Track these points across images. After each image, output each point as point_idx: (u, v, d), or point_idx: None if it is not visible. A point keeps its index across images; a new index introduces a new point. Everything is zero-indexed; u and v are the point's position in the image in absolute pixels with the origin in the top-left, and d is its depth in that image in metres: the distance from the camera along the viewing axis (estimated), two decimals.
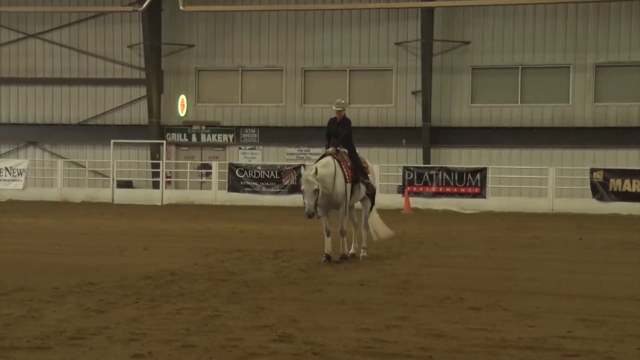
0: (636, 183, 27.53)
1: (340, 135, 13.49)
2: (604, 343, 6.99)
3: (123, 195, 31.74)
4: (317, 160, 13.38)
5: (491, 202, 28.17)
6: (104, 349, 6.63)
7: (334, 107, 13.89)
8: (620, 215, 26.71)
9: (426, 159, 31.40)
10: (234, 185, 30.94)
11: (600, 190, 27.90)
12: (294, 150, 34.03)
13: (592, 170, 28.37)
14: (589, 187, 28.20)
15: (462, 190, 28.33)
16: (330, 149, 13.33)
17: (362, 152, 33.02)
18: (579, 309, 8.65)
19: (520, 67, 32.17)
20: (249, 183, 30.81)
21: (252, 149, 34.51)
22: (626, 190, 27.63)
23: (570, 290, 10.08)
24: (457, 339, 7.07)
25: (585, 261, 13.52)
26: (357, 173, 13.31)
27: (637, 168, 28.65)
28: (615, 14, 31.31)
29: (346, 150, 13.51)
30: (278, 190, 30.62)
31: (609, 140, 30.90)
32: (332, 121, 13.86)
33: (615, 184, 27.76)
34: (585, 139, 31.14)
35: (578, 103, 31.71)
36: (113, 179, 32.67)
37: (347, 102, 14.28)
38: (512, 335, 7.22)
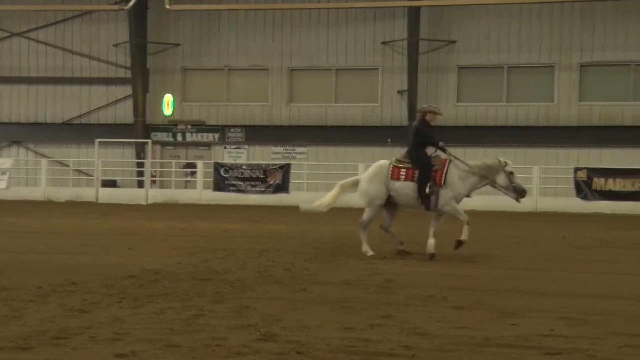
0: (619, 182, 27.70)
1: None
2: (586, 341, 7.02)
3: (107, 195, 31.68)
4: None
5: (476, 201, 28.19)
6: (87, 349, 6.60)
7: (437, 112, 14.17)
8: (604, 214, 26.87)
9: None
10: (219, 184, 30.92)
11: (584, 189, 28.06)
12: (279, 149, 34.05)
13: (576, 169, 28.53)
14: (573, 186, 28.35)
15: None
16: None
17: (348, 151, 33.37)
18: (561, 307, 8.69)
19: (505, 67, 32.31)
20: (234, 182, 30.80)
21: (237, 148, 34.50)
22: (610, 189, 27.80)
23: (553, 288, 10.13)
24: (440, 338, 7.09)
25: (568, 259, 13.58)
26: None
27: (621, 167, 28.81)
28: (599, 14, 31.49)
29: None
30: (263, 189, 30.62)
31: (593, 139, 31.08)
32: (429, 125, 14.06)
33: (599, 183, 27.93)
34: (569, 138, 31.31)
35: (563, 102, 31.88)
36: (97, 179, 32.59)
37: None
38: (494, 334, 7.24)
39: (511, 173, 14.03)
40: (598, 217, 25.90)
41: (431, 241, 13.32)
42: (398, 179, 13.64)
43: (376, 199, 13.79)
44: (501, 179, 13.96)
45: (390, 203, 13.86)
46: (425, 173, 13.53)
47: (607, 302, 9.13)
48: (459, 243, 13.29)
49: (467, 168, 13.87)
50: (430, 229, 13.55)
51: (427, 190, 13.48)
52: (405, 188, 13.60)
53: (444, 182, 13.53)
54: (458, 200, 13.74)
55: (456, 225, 13.74)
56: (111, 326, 7.43)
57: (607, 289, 10.15)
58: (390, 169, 13.71)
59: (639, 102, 31.39)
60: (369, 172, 14.09)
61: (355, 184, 14.30)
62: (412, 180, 13.57)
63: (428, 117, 14.03)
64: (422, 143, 13.86)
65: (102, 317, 7.88)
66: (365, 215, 13.89)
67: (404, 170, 13.64)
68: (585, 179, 28.13)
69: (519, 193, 14.00)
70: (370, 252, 13.53)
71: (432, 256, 13.17)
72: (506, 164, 14.02)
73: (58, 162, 35.35)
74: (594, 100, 31.75)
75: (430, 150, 13.93)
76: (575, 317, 8.09)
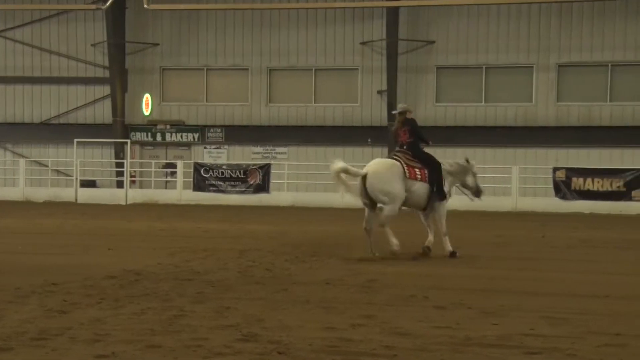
0: (598, 182, 27.89)
1: None
2: (566, 340, 7.06)
3: (87, 195, 31.51)
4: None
5: (455, 201, 28.29)
6: (67, 350, 6.56)
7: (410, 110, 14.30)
8: (583, 213, 27.06)
9: None
10: (199, 184, 30.84)
11: (562, 189, 28.23)
12: (259, 149, 34.01)
13: (555, 169, 28.70)
14: (552, 186, 28.51)
15: None
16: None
17: (327, 151, 33.40)
18: (542, 306, 8.73)
19: (484, 67, 32.44)
20: (214, 182, 30.73)
21: (217, 148, 34.42)
22: (588, 189, 27.99)
23: (534, 288, 10.18)
24: (421, 338, 7.10)
25: (548, 259, 13.65)
26: None
27: (599, 167, 29.01)
28: (577, 15, 31.69)
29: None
30: (244, 189, 30.57)
31: (571, 139, 31.30)
32: None
33: (577, 182, 28.11)
34: (548, 138, 31.49)
35: (541, 102, 32.06)
36: (76, 179, 32.41)
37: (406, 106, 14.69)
38: (476, 333, 7.26)
39: (475, 174, 14.30)
40: (577, 216, 26.06)
41: (431, 238, 13.66)
42: (416, 179, 13.50)
43: (401, 198, 13.44)
44: (470, 179, 14.22)
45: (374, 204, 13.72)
46: (439, 172, 13.62)
47: (587, 302, 9.19)
48: (453, 254, 13.48)
49: (445, 169, 14.01)
50: (430, 228, 13.78)
51: (446, 189, 13.70)
52: (422, 189, 13.54)
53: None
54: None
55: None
56: (91, 327, 7.39)
57: (587, 288, 10.21)
58: (407, 168, 13.48)
59: (616, 103, 31.61)
60: (386, 169, 13.47)
61: (354, 175, 13.66)
62: (425, 181, 13.56)
63: (408, 115, 14.14)
64: (425, 141, 13.99)
65: (82, 317, 7.83)
66: (389, 211, 13.38)
67: (418, 170, 13.56)
68: (563, 178, 28.29)
69: (480, 193, 14.36)
70: (397, 248, 13.22)
71: (427, 250, 13.46)
72: (473, 164, 14.28)
73: (36, 162, 35.12)
74: (572, 101, 31.95)
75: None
76: (555, 316, 8.13)
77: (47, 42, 35.24)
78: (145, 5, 32.20)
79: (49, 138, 35.22)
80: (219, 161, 33.05)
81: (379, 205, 13.64)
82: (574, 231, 19.65)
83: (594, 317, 8.14)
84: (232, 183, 30.68)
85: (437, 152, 15.04)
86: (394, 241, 13.20)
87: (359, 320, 7.87)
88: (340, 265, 12.38)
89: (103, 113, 35.00)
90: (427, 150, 14.15)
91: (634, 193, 27.59)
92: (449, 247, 13.52)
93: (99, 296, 9.11)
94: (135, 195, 31.68)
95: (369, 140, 32.46)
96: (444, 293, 9.61)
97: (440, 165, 13.75)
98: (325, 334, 7.19)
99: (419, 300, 9.13)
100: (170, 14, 34.22)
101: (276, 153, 33.72)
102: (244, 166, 31.10)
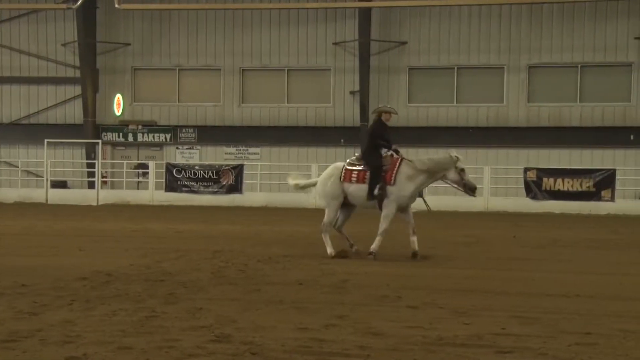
0: (568, 182, 28.13)
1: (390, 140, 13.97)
2: (537, 339, 7.12)
3: (57, 196, 31.26)
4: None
5: (428, 201, 28.38)
6: (38, 352, 6.51)
7: (392, 112, 14.15)
8: (553, 213, 27.27)
9: None
10: (172, 185, 30.70)
11: (533, 189, 28.44)
12: (232, 149, 33.92)
13: (526, 170, 28.90)
14: (523, 186, 28.71)
15: None
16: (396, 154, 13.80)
17: (301, 151, 33.35)
18: (513, 306, 8.79)
19: (455, 68, 32.59)
20: (186, 183, 30.61)
21: (189, 148, 34.29)
22: (558, 189, 28.21)
23: (505, 287, 10.25)
24: (394, 337, 7.13)
25: (519, 259, 13.75)
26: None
27: (569, 167, 29.26)
28: (547, 16, 31.94)
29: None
30: (216, 190, 30.48)
31: (541, 140, 31.53)
32: (385, 125, 14.00)
33: (548, 182, 28.33)
34: (519, 138, 31.70)
35: (512, 103, 32.27)
36: (47, 179, 32.14)
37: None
38: (448, 333, 7.30)
39: (462, 170, 14.14)
40: (548, 216, 26.27)
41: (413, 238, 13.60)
42: (350, 181, 13.67)
43: (333, 199, 13.74)
44: (452, 174, 14.02)
45: (345, 203, 13.88)
46: (376, 174, 13.56)
47: (558, 301, 9.26)
48: (371, 254, 13.36)
49: (417, 167, 13.86)
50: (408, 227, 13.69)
51: (376, 191, 13.51)
52: (359, 191, 13.64)
53: (394, 182, 13.56)
54: (400, 201, 13.66)
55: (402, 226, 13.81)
56: (62, 329, 7.34)
57: (558, 287, 10.29)
58: (343, 171, 13.75)
59: (586, 103, 31.88)
60: (325, 173, 14.16)
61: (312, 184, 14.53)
62: (364, 182, 13.62)
63: (384, 117, 14.09)
64: (377, 144, 13.88)
65: (52, 319, 7.78)
66: (326, 216, 13.84)
67: (356, 172, 13.66)
68: (534, 179, 28.51)
69: (470, 190, 14.17)
70: (333, 253, 13.45)
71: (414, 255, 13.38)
72: (457, 159, 14.04)
73: (6, 162, 34.78)
74: (542, 102, 32.18)
75: (384, 151, 13.91)
76: (527, 315, 8.19)
77: (17, 41, 34.90)
78: (116, 5, 31.98)
79: (19, 138, 34.88)
80: (192, 162, 32.93)
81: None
82: (545, 231, 19.79)
83: (565, 317, 8.20)
84: (205, 184, 30.58)
85: (410, 153, 15.07)
86: (330, 250, 13.53)
87: (332, 320, 7.88)
88: (313, 265, 12.39)
89: (74, 113, 34.73)
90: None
91: (603, 193, 27.85)
92: (374, 246, 13.44)
93: (69, 297, 9.04)
94: (106, 196, 31.48)
95: (342, 140, 32.49)
96: (416, 293, 9.64)
97: (381, 168, 13.62)
98: (298, 335, 7.20)
99: (392, 300, 9.16)
100: (141, 14, 34.04)
101: (249, 153, 33.66)
102: (217, 167, 31.01)
